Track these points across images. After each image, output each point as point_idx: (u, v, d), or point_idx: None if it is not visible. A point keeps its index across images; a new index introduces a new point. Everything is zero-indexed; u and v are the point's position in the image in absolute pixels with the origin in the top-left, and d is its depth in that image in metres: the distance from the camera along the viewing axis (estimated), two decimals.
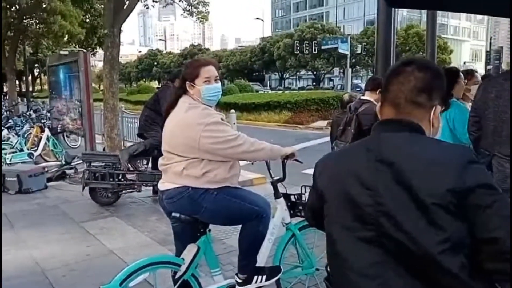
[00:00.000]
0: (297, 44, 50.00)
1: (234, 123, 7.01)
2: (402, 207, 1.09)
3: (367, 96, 3.79)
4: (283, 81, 64.83)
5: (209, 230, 2.43)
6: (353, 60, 50.50)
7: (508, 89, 2.43)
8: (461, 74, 3.18)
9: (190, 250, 2.31)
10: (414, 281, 1.10)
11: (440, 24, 75.59)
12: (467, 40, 79.48)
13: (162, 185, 2.39)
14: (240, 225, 2.48)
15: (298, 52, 50.95)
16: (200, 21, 11.25)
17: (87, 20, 15.34)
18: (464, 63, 59.41)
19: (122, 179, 5.27)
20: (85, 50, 7.92)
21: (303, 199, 2.81)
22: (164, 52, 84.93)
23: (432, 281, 1.08)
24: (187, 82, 2.33)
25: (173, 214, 2.32)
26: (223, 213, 2.34)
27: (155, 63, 74.50)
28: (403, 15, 67.49)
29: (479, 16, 76.17)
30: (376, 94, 3.76)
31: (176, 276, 2.27)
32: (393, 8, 3.86)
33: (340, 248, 1.22)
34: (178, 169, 2.27)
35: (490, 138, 2.54)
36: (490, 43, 42.80)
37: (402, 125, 1.21)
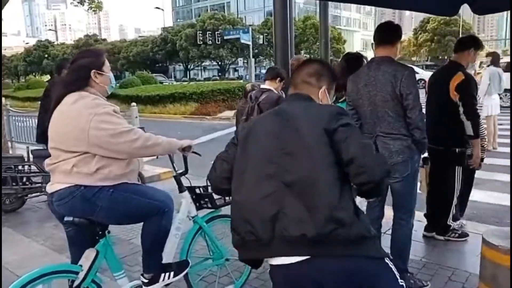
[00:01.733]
0: (199, 35, 49.54)
1: (136, 117, 6.67)
2: (299, 147, 1.51)
3: (267, 85, 3.86)
4: (188, 72, 63.94)
5: (108, 232, 2.28)
6: (256, 51, 51.61)
7: (374, 76, 2.69)
8: (363, 59, 3.40)
9: (88, 256, 2.15)
10: (300, 205, 1.44)
11: (334, 15, 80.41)
12: (358, 31, 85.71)
13: (50, 187, 2.17)
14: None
15: (201, 43, 50.56)
16: (93, 10, 10.52)
17: None
18: (357, 52, 63.91)
19: (27, 183, 4.81)
20: None
21: (209, 191, 2.78)
22: (56, 43, 78.29)
23: (313, 205, 1.43)
24: (93, 70, 2.19)
25: (66, 218, 2.12)
26: (121, 211, 2.19)
27: (46, 56, 68.17)
28: (300, 7, 70.47)
29: (367, 8, 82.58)
30: (276, 82, 3.85)
31: (74, 285, 2.10)
32: (288, 0, 3.97)
33: (242, 184, 1.57)
34: (67, 167, 2.07)
35: (370, 121, 2.78)
36: None
37: (299, 96, 1.74)
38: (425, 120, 2.73)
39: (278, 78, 3.84)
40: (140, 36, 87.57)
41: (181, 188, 2.64)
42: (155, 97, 18.20)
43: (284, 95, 3.87)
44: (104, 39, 76.64)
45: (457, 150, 3.37)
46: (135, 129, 2.18)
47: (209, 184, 2.79)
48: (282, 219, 1.45)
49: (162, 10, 64.73)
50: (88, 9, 10.14)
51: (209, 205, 2.78)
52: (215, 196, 2.75)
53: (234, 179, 1.63)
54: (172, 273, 2.42)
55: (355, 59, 3.38)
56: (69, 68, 2.26)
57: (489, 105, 7.31)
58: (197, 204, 2.74)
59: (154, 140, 2.21)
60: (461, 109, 3.27)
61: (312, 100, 1.72)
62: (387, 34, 2.79)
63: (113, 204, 2.14)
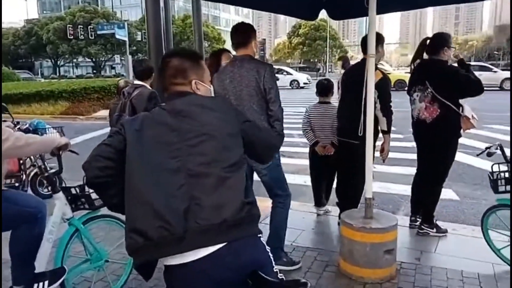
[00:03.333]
0: (69, 28, 45.76)
1: None
2: (202, 140, 1.53)
3: (140, 81, 3.84)
4: (58, 69, 58.70)
5: None
6: (134, 48, 49.70)
7: (239, 73, 2.89)
8: (229, 54, 3.54)
9: None
10: (218, 193, 1.46)
11: (214, 16, 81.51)
12: None
13: None
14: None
15: (72, 37, 46.83)
16: None
17: None
18: (221, 48, 65.91)
19: None
20: None
21: (86, 190, 2.64)
22: None
23: (231, 192, 1.49)
24: None
25: None
26: None
27: None
28: (179, 5, 69.78)
29: (245, 10, 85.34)
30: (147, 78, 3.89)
31: None
32: None
33: (146, 180, 1.46)
34: None
35: None
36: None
37: (179, 94, 1.67)
38: (284, 113, 2.92)
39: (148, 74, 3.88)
40: None
41: (54, 189, 2.49)
42: (18, 95, 16.35)
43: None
44: None
45: None
46: (3, 129, 1.98)
47: (86, 182, 2.68)
48: (196, 210, 1.43)
49: (25, 0, 58.26)
50: None
51: (87, 206, 2.65)
52: (94, 196, 2.63)
53: (132, 175, 1.50)
54: (46, 283, 2.27)
55: (218, 55, 3.54)
56: None
57: None
58: (73, 205, 2.60)
59: (26, 140, 2.03)
60: (378, 106, 3.36)
61: (193, 93, 1.69)
62: (238, 37, 2.96)
63: None
